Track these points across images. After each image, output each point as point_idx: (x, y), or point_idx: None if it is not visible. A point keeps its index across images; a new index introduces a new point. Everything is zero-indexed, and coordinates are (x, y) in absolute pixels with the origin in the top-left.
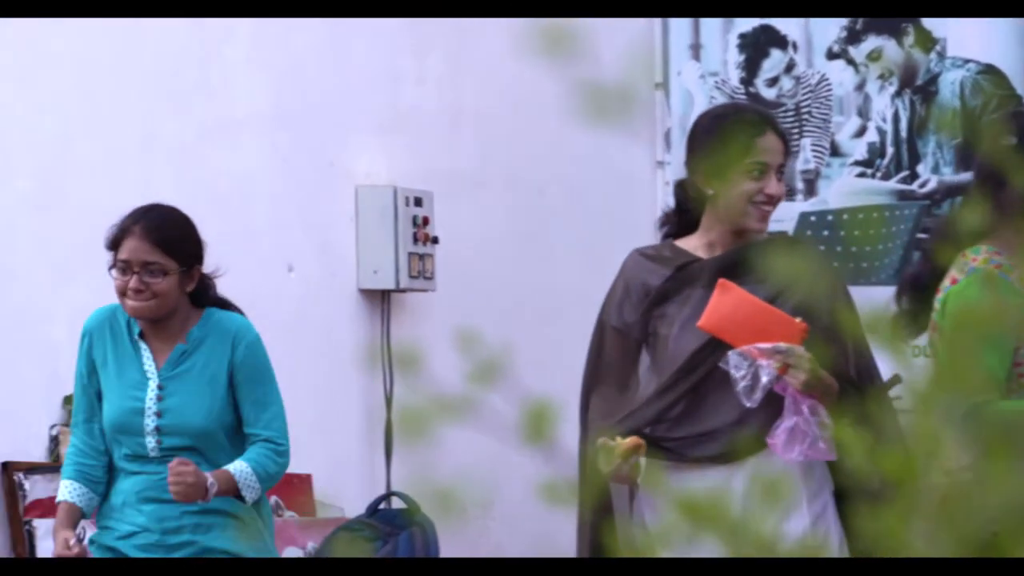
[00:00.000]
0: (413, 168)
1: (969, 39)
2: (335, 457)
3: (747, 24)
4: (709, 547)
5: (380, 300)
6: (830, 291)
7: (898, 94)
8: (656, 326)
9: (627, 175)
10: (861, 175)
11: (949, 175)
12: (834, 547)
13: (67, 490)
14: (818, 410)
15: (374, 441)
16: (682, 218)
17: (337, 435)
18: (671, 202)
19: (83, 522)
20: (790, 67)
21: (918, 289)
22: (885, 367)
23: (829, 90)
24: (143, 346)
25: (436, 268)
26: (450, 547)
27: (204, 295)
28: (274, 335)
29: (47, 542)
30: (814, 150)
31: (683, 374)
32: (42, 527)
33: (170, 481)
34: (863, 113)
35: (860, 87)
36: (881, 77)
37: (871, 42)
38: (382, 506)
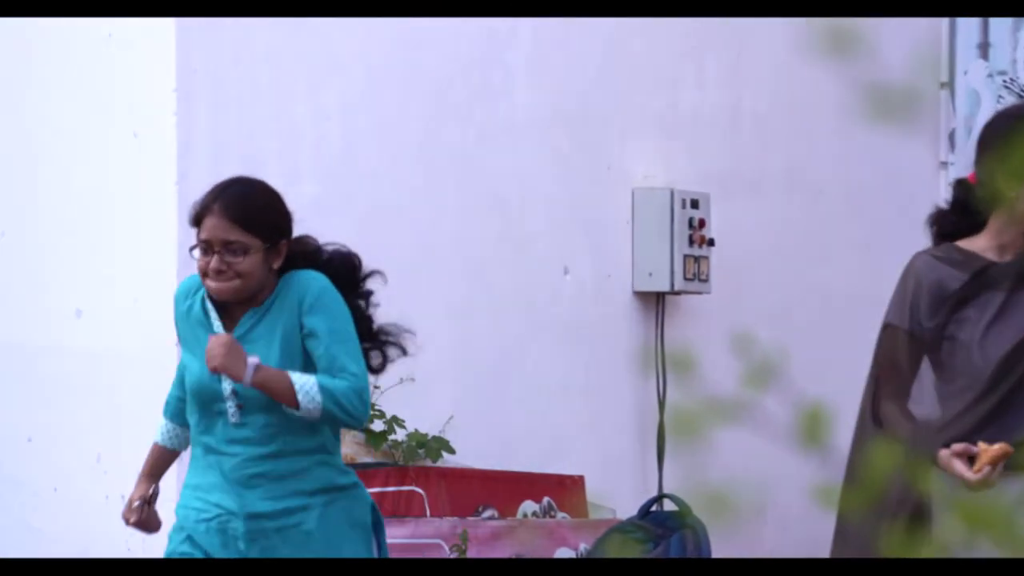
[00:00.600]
0: (690, 170)
1: None
2: (608, 459)
3: None
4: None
5: (655, 302)
6: None
7: None
8: (954, 331)
9: (909, 176)
10: None
11: None
12: None
13: (161, 431)
14: None
15: (646, 443)
16: (961, 218)
17: (610, 437)
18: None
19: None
20: None
21: None
22: None
23: None
24: (212, 312)
25: (711, 270)
26: (722, 550)
27: (295, 265)
28: (549, 336)
29: None
30: None
31: (995, 382)
32: None
33: (207, 351)
34: None
35: None
36: None
37: None
38: (654, 508)
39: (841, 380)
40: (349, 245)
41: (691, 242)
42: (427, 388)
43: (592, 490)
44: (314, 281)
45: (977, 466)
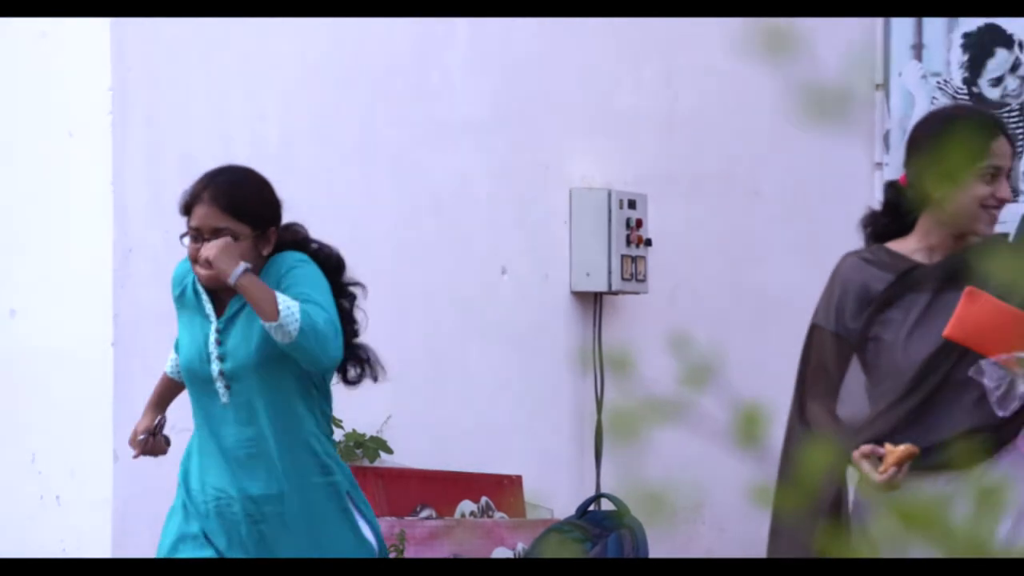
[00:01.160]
0: (628, 171)
1: None
2: (545, 458)
3: (971, 23)
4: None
5: (592, 302)
6: None
7: None
8: (879, 332)
9: (844, 176)
10: None
11: None
12: None
13: (171, 363)
14: None
15: (584, 443)
16: (893, 220)
17: (548, 437)
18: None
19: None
20: (1015, 67)
21: None
22: None
23: None
24: (203, 295)
25: (649, 271)
26: (659, 549)
27: (280, 248)
28: (487, 336)
29: None
30: None
31: (918, 381)
32: None
33: (199, 256)
34: None
35: None
36: None
37: None
38: (591, 508)
39: (777, 380)
40: None
41: (628, 242)
42: (364, 388)
43: (530, 490)
44: (291, 256)
45: (883, 467)
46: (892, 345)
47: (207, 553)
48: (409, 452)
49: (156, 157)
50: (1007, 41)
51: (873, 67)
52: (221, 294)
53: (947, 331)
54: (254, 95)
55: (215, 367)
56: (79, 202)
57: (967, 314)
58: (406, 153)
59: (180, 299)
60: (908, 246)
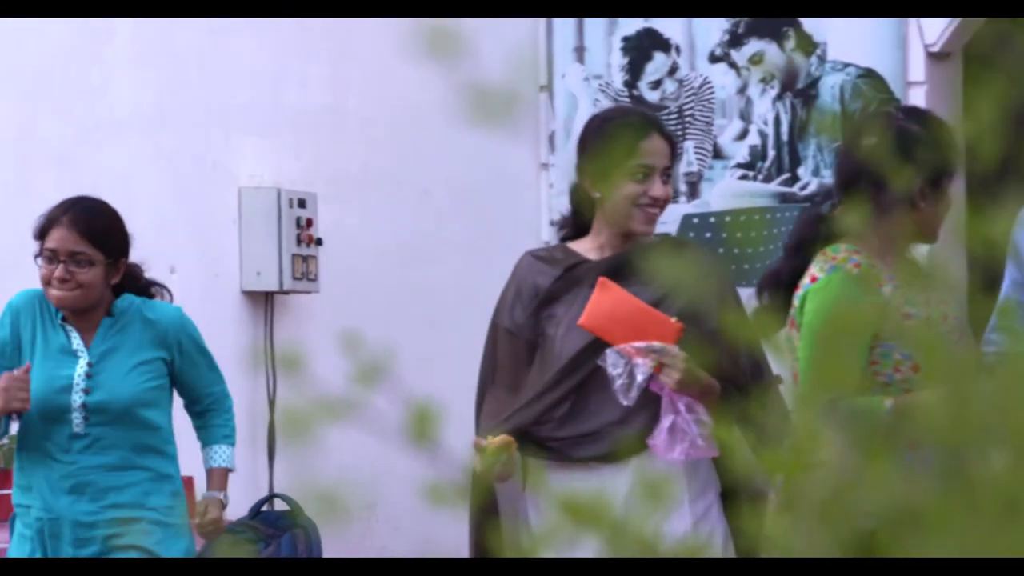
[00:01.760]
0: (297, 170)
1: (849, 43)
2: None
3: (631, 27)
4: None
5: (263, 302)
6: (717, 292)
7: (779, 97)
8: (545, 327)
9: (511, 177)
10: (743, 178)
11: (829, 178)
12: (717, 547)
13: None
14: (695, 408)
15: (257, 443)
16: (577, 221)
17: None
18: (555, 204)
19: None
20: (673, 70)
21: (778, 286)
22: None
23: (711, 93)
24: (70, 327)
25: (320, 270)
26: (333, 549)
27: (130, 287)
28: None
29: None
30: (697, 153)
31: (566, 374)
32: None
33: (200, 525)
34: (745, 116)
35: (742, 90)
36: (763, 81)
37: (753, 46)
38: (265, 508)
39: (450, 377)
40: None
41: (299, 241)
42: None
43: (202, 490)
44: (165, 310)
45: (482, 457)
46: (553, 339)
47: None
48: None
49: None
50: (665, 45)
51: (537, 69)
52: (81, 326)
53: (581, 320)
54: None
55: (77, 399)
56: None
57: (598, 304)
58: (69, 150)
59: (41, 326)
60: (584, 245)
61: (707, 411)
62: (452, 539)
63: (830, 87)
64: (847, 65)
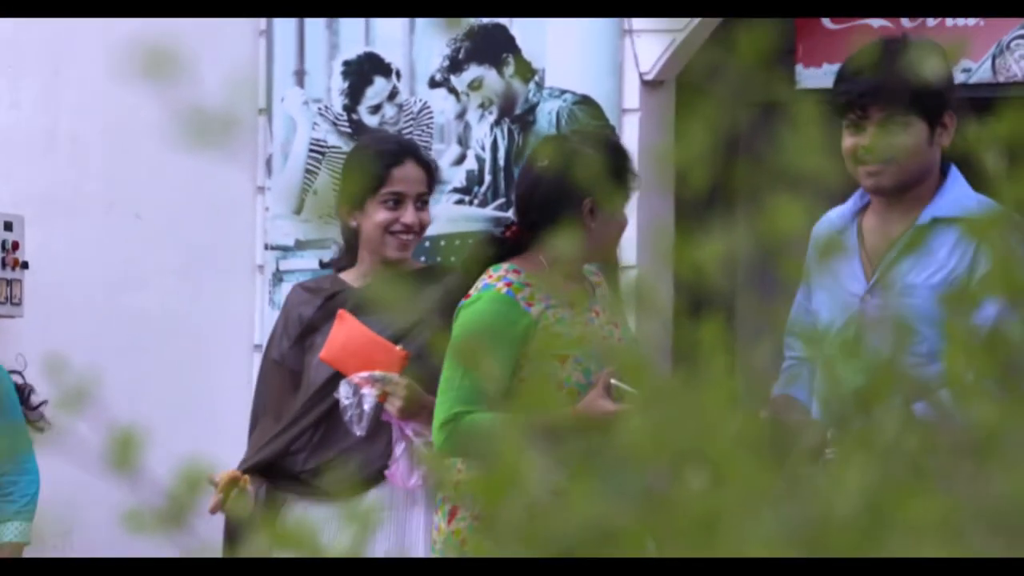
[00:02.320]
0: (5, 192)
1: (567, 70)
2: None
3: (351, 51)
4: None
5: None
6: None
7: (497, 123)
8: (307, 357)
9: (227, 200)
10: (460, 202)
11: None
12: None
13: None
14: (423, 433)
15: None
16: (350, 249)
17: None
18: (270, 228)
19: None
20: (393, 95)
21: (449, 305)
22: None
23: (431, 118)
24: None
25: (25, 293)
26: None
27: None
28: None
29: None
30: None
31: (314, 403)
32: None
33: None
34: (463, 141)
35: (461, 115)
36: (481, 106)
37: (473, 71)
38: None
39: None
40: None
41: (4, 265)
42: None
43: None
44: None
45: (215, 495)
46: (309, 367)
47: None
48: None
49: None
50: (385, 69)
51: (256, 92)
52: None
53: (322, 354)
54: None
55: None
56: None
57: (335, 336)
58: None
59: None
60: (351, 274)
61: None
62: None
63: (547, 113)
64: (564, 92)
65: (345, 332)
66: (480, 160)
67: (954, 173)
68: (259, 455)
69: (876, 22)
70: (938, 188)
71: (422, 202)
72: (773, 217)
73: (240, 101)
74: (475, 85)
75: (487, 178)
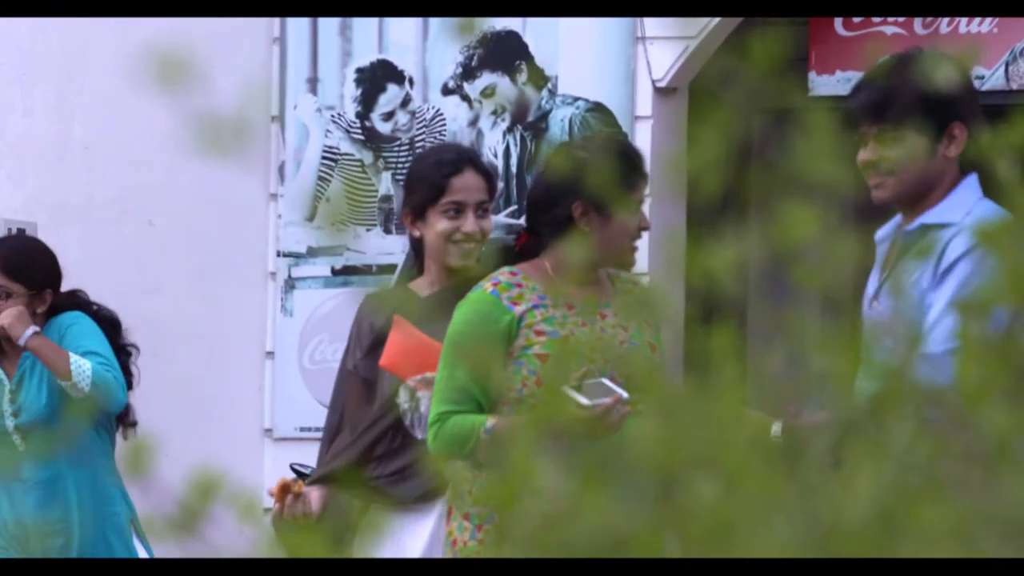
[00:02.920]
0: (18, 199)
1: (580, 78)
2: None
3: (364, 59)
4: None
5: None
6: None
7: (510, 130)
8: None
9: (240, 207)
10: None
11: None
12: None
13: None
14: None
15: None
16: (420, 258)
17: None
18: (283, 235)
19: None
20: (406, 102)
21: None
22: None
23: (443, 125)
24: None
25: None
26: None
27: (62, 310)
28: None
29: None
30: None
31: (384, 411)
32: None
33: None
34: (476, 148)
35: (473, 122)
36: (494, 113)
37: (486, 79)
38: None
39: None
40: None
41: None
42: None
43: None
44: (70, 315)
45: (275, 504)
46: (382, 376)
47: None
48: None
49: None
50: (398, 77)
51: (269, 99)
52: (7, 353)
53: (381, 360)
54: None
55: (10, 423)
56: None
57: (392, 342)
58: None
59: None
60: (420, 283)
61: None
62: None
63: (560, 120)
64: (577, 99)
65: (401, 337)
66: (492, 167)
67: (968, 182)
68: (332, 463)
69: (889, 29)
70: (945, 197)
71: (483, 210)
72: (785, 224)
73: (253, 108)
74: (488, 92)
75: (500, 185)
